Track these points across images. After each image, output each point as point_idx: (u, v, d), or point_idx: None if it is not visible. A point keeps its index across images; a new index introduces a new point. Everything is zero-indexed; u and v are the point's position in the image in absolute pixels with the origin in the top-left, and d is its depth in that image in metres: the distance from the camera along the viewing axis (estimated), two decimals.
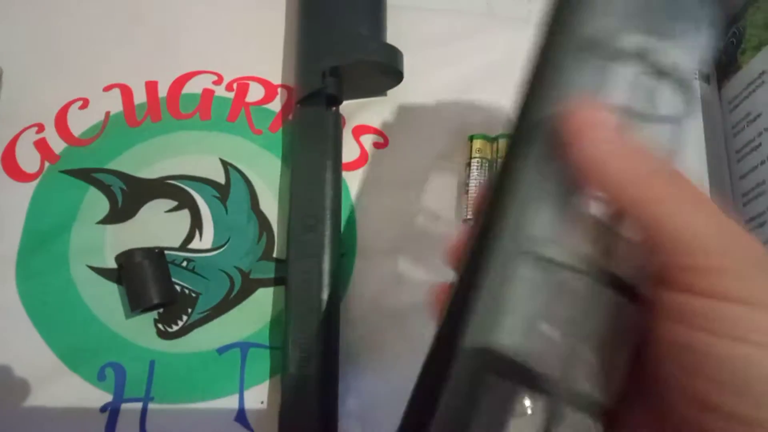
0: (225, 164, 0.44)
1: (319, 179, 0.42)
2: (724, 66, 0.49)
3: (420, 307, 0.41)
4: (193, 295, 0.41)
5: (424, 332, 0.40)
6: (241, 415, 0.38)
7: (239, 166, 0.44)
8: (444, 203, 0.44)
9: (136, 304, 0.39)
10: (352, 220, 0.43)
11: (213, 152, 0.44)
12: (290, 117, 0.45)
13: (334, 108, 0.44)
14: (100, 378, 0.39)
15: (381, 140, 0.45)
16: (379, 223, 0.43)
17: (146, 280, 0.39)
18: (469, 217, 0.42)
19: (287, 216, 0.42)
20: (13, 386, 0.38)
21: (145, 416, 0.38)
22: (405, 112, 0.46)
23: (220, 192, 0.43)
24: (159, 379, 0.39)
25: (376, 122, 0.46)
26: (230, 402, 0.39)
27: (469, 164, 0.43)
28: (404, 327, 0.41)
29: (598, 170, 0.21)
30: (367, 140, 0.45)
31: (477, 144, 0.43)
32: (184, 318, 0.41)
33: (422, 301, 0.41)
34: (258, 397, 0.39)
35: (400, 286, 0.42)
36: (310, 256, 0.40)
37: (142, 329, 0.40)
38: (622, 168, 0.20)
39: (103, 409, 0.38)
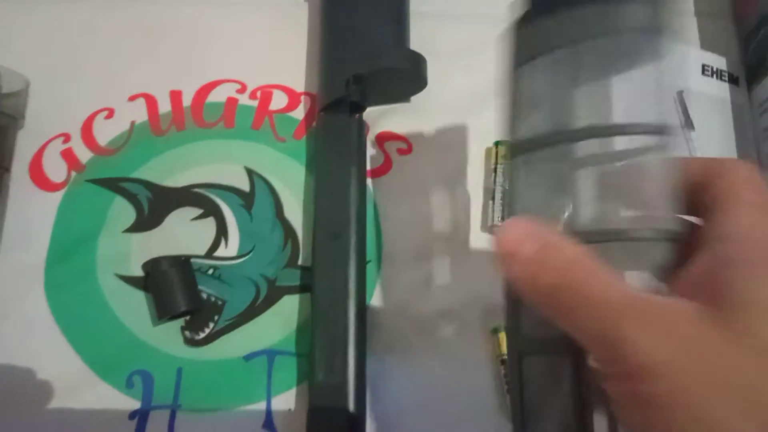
0: (249, 172, 0.44)
1: (343, 186, 0.42)
2: (753, 68, 0.49)
3: (446, 313, 0.41)
4: (219, 302, 0.41)
5: (451, 338, 0.40)
6: (269, 422, 0.38)
7: (264, 174, 0.44)
8: (470, 210, 0.43)
9: (163, 311, 0.39)
10: (377, 227, 0.43)
11: (237, 160, 0.44)
12: (314, 124, 0.45)
13: (357, 115, 0.44)
14: (128, 385, 0.39)
15: (405, 146, 0.45)
16: (405, 230, 0.43)
17: (173, 287, 0.39)
18: (496, 223, 0.41)
19: (312, 223, 0.41)
20: (43, 394, 0.38)
21: (173, 423, 0.38)
22: (429, 118, 0.46)
23: (245, 200, 0.43)
24: (186, 386, 0.39)
25: (400, 129, 0.46)
26: (258, 408, 0.39)
27: (495, 170, 0.43)
28: (431, 333, 0.41)
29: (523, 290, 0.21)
30: (392, 147, 0.45)
31: (503, 150, 0.43)
32: (211, 325, 0.41)
33: (448, 307, 0.41)
34: (286, 404, 0.39)
35: (426, 292, 0.42)
36: (336, 264, 0.40)
37: (169, 337, 0.40)
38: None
39: (131, 416, 0.38)
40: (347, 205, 0.41)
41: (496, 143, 0.44)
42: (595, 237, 0.22)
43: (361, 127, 0.44)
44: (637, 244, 0.22)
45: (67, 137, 0.44)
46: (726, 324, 0.18)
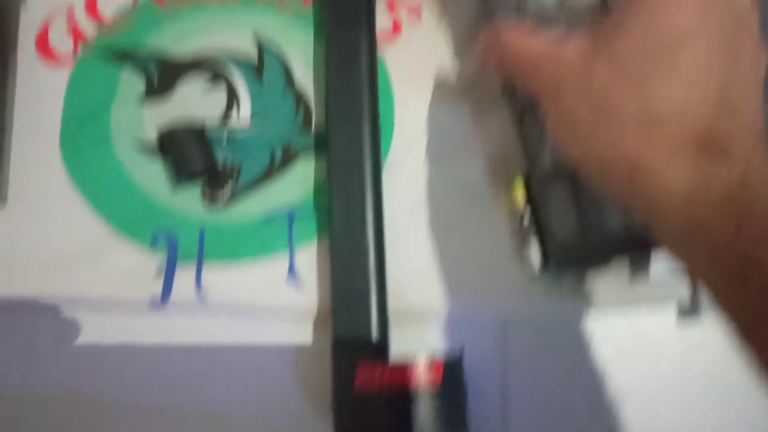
0: (258, 39, 0.44)
1: (353, 49, 0.41)
2: None
3: (456, 173, 0.41)
4: (236, 167, 0.41)
5: (468, 186, 0.41)
6: (292, 272, 0.39)
7: (273, 40, 0.44)
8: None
9: (180, 175, 0.40)
10: (388, 92, 0.43)
11: (245, 28, 0.44)
12: None
13: None
14: (153, 243, 0.40)
15: (415, 11, 0.44)
16: (416, 94, 0.43)
17: (188, 151, 0.40)
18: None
19: (323, 87, 0.41)
20: (70, 257, 0.39)
21: (200, 275, 0.39)
22: None
23: (255, 67, 0.43)
24: (210, 243, 0.40)
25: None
26: (281, 260, 0.40)
27: None
28: (444, 189, 0.41)
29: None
30: (402, 11, 0.44)
31: None
32: (228, 190, 0.41)
33: (461, 167, 0.41)
34: (307, 256, 0.40)
35: (439, 155, 0.42)
36: (350, 124, 0.40)
37: (189, 201, 0.41)
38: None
39: (158, 271, 0.39)
40: (358, 67, 0.41)
41: None
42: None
43: None
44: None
45: (70, 11, 0.44)
46: (593, 43, 0.26)
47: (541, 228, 0.38)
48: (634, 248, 0.36)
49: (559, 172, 0.37)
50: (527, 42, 0.29)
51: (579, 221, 0.36)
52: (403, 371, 0.34)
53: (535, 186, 0.38)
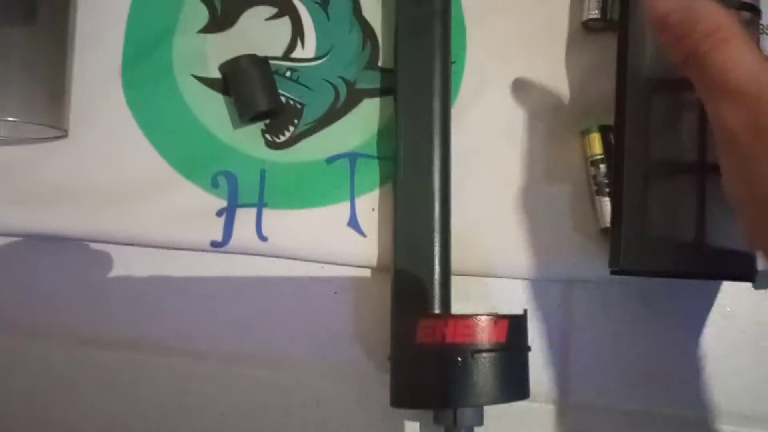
0: None
1: None
2: None
3: (534, 115, 0.39)
4: (299, 105, 0.40)
5: (537, 141, 0.39)
6: (353, 220, 0.38)
7: None
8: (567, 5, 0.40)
9: (244, 111, 0.39)
10: (460, 25, 0.40)
11: None
12: None
13: None
14: (213, 185, 0.39)
15: None
16: (492, 27, 0.40)
17: (254, 87, 0.39)
18: (592, 17, 0.38)
19: (393, 22, 0.39)
20: (130, 193, 0.39)
21: (260, 220, 0.38)
22: None
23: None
24: (270, 186, 0.39)
25: None
26: (342, 208, 0.38)
27: None
28: (517, 135, 0.39)
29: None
30: None
31: None
32: (291, 129, 0.40)
33: (537, 108, 0.38)
34: (369, 204, 0.39)
35: (513, 94, 0.39)
36: (420, 63, 0.38)
37: (250, 139, 0.40)
38: None
39: (219, 213, 0.38)
40: None
41: None
42: None
43: None
44: None
45: None
46: None
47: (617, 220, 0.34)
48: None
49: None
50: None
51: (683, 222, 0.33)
52: (466, 327, 0.33)
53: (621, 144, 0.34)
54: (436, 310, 0.35)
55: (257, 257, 0.39)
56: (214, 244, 0.38)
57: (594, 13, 0.38)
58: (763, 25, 0.37)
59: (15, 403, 0.39)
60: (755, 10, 0.34)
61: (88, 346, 0.39)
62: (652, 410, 0.37)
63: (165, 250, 0.39)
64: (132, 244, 0.39)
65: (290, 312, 0.38)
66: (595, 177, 0.37)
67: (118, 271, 0.40)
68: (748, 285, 0.37)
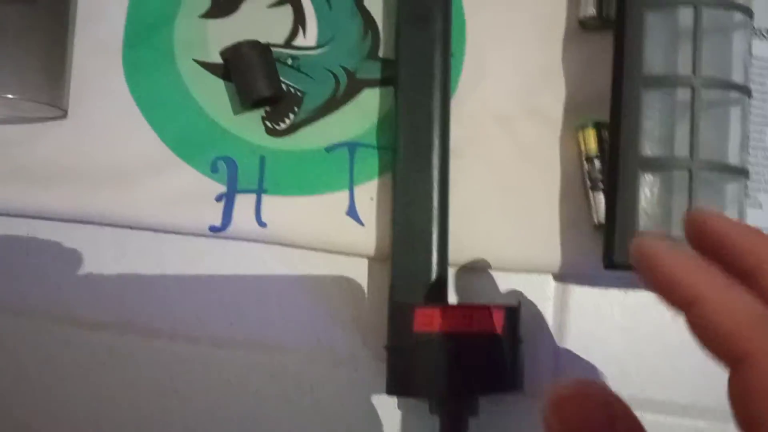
0: None
1: None
2: None
3: (531, 110, 0.39)
4: (299, 93, 0.40)
5: (533, 135, 0.39)
6: (351, 209, 0.39)
7: None
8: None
9: (245, 97, 0.39)
10: (460, 18, 0.41)
11: None
12: None
13: None
14: (213, 170, 0.39)
15: None
16: (490, 21, 0.40)
17: (255, 72, 0.38)
18: (589, 14, 0.39)
19: (394, 11, 0.39)
20: (128, 176, 0.39)
21: (260, 206, 0.38)
22: None
23: None
24: (270, 173, 0.39)
25: None
26: (341, 197, 0.39)
27: None
28: (513, 129, 0.39)
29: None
30: None
31: None
32: (291, 116, 0.40)
33: (534, 104, 0.39)
34: (367, 193, 0.39)
35: (511, 88, 0.40)
36: (421, 55, 0.38)
37: (250, 126, 0.40)
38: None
39: (218, 198, 0.38)
40: None
41: None
42: None
43: None
44: None
45: None
46: None
47: (612, 216, 0.35)
48: None
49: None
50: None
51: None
52: (462, 317, 0.34)
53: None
54: (433, 300, 0.36)
55: (252, 243, 0.39)
56: (213, 229, 0.38)
57: (590, 11, 0.39)
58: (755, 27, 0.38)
59: (2, 382, 0.39)
60: (747, 12, 0.35)
61: (80, 326, 0.39)
62: (644, 404, 0.38)
63: (160, 234, 0.39)
64: (130, 227, 0.39)
65: (286, 298, 0.39)
66: (589, 173, 0.38)
67: (112, 252, 0.39)
68: None
